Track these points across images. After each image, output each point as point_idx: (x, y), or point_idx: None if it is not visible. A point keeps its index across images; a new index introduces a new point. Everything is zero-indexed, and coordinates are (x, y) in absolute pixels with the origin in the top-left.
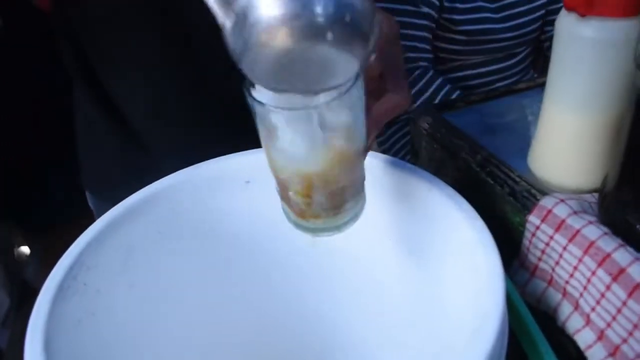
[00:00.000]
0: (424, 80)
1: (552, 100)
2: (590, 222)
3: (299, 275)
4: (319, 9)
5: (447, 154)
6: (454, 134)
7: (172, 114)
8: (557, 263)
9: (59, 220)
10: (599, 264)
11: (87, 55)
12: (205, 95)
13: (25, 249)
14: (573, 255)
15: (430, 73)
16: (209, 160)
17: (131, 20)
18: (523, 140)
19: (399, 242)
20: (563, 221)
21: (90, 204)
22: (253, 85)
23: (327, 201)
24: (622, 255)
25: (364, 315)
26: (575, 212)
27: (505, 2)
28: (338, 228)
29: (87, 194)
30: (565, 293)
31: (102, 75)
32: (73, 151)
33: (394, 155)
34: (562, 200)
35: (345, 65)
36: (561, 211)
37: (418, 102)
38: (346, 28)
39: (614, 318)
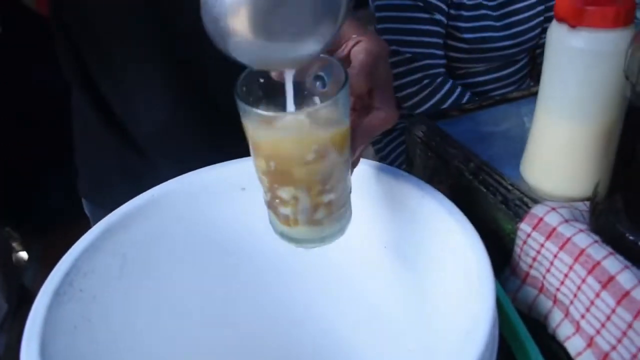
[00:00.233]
0: (445, 88)
1: (544, 109)
2: (581, 230)
3: (294, 280)
4: None
5: (440, 162)
6: (447, 142)
7: (170, 121)
8: (547, 271)
9: (58, 223)
10: (589, 272)
11: (85, 61)
12: (203, 101)
13: (23, 254)
14: (564, 262)
15: (450, 82)
16: (205, 167)
17: (129, 26)
18: (517, 149)
19: (391, 247)
20: (554, 229)
21: (86, 210)
22: (243, 91)
23: (312, 211)
24: (612, 263)
25: (356, 319)
26: (566, 220)
27: (507, 9)
28: (322, 240)
29: (84, 201)
30: (555, 300)
31: (99, 81)
32: (71, 155)
33: (391, 162)
34: (553, 209)
35: (321, 28)
36: (552, 219)
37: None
38: None
39: (603, 325)
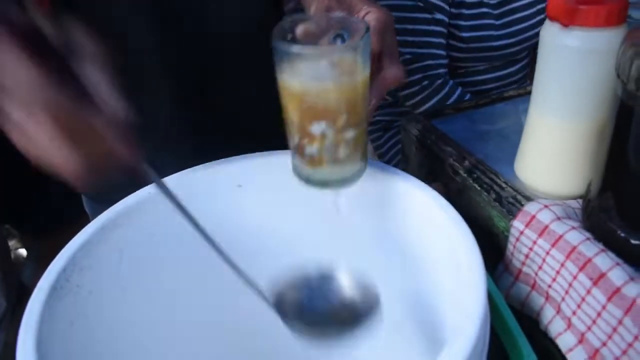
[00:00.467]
0: (445, 90)
1: (537, 107)
2: (574, 228)
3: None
4: None
5: (436, 160)
6: (442, 140)
7: (170, 120)
8: (540, 267)
9: (57, 223)
10: (580, 269)
11: None
12: (202, 101)
13: (22, 252)
14: (556, 260)
15: (450, 83)
16: (201, 165)
17: (129, 26)
18: (512, 147)
19: (383, 243)
20: (546, 227)
21: (86, 207)
22: (285, 37)
23: (335, 148)
24: (603, 260)
25: None
26: (559, 218)
27: (508, 7)
28: (344, 181)
29: (83, 198)
30: (548, 297)
31: None
32: None
33: (390, 159)
34: (546, 206)
35: None
36: (545, 217)
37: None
38: None
39: (594, 322)
